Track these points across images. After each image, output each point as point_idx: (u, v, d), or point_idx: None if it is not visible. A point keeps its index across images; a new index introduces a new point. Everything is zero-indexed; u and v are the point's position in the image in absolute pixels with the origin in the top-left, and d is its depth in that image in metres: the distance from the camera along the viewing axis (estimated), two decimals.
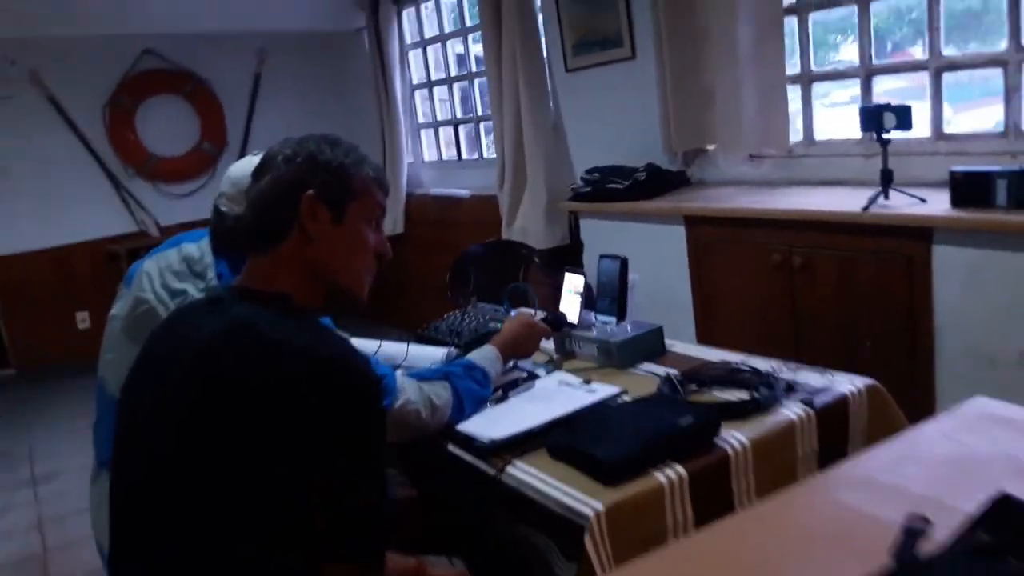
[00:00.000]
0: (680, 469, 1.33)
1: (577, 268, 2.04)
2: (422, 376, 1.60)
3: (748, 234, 2.75)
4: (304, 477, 0.99)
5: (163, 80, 5.60)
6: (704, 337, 2.94)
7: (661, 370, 1.76)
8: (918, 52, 3.06)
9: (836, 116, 3.21)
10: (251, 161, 1.40)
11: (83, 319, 5.51)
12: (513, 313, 2.19)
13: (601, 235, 3.43)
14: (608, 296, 1.92)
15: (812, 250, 2.56)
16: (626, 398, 1.61)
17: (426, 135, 5.54)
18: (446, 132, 5.37)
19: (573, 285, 2.01)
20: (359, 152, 1.28)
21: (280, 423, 1.00)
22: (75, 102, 5.35)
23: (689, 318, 3.03)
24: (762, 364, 1.68)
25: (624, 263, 1.89)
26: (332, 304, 1.26)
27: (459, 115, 5.19)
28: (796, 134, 3.15)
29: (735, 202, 2.91)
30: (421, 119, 5.52)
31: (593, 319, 1.96)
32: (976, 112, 2.90)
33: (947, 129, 2.74)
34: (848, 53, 3.32)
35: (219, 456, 1.01)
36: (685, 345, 1.95)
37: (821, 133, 3.13)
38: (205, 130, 5.78)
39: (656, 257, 3.03)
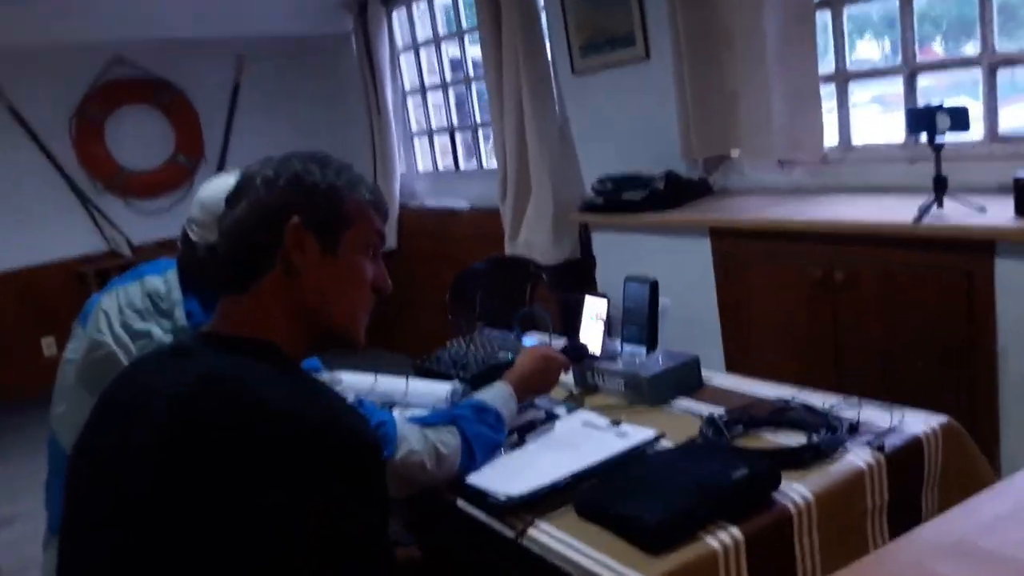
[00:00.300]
0: (735, 531, 1.20)
1: (598, 292, 1.92)
2: (426, 421, 1.48)
3: (783, 248, 2.63)
4: (301, 504, 0.94)
5: (134, 89, 5.48)
6: (734, 363, 2.82)
7: (700, 408, 1.63)
8: (938, 48, 2.95)
9: (858, 116, 3.08)
10: (225, 181, 1.27)
11: (49, 344, 5.37)
12: (526, 341, 2.07)
13: (615, 249, 3.32)
14: (635, 323, 1.80)
15: (856, 265, 2.44)
16: (665, 443, 1.48)
17: (420, 144, 5.44)
18: (442, 140, 5.27)
19: (595, 310, 1.88)
20: (353, 172, 1.17)
21: (266, 480, 0.93)
22: (39, 114, 5.24)
23: (716, 342, 2.90)
24: (818, 400, 1.55)
25: (654, 286, 1.76)
26: (322, 347, 1.18)
27: (455, 122, 5.09)
28: (830, 137, 3.03)
29: (767, 212, 2.79)
30: (415, 127, 5.42)
31: (618, 349, 1.83)
32: (1006, 111, 2.77)
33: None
34: (865, 50, 3.21)
35: (205, 495, 0.93)
36: (724, 376, 1.82)
37: (857, 136, 3.01)
38: (180, 142, 5.66)
39: (678, 274, 2.90)
